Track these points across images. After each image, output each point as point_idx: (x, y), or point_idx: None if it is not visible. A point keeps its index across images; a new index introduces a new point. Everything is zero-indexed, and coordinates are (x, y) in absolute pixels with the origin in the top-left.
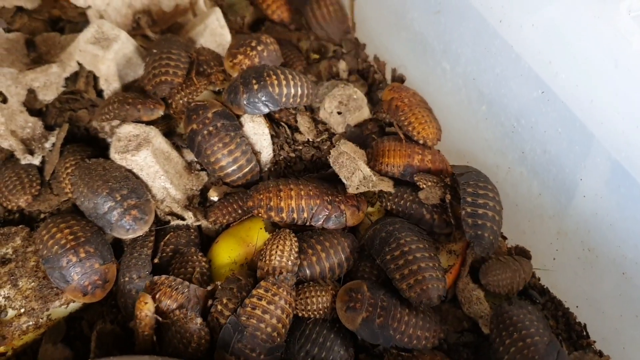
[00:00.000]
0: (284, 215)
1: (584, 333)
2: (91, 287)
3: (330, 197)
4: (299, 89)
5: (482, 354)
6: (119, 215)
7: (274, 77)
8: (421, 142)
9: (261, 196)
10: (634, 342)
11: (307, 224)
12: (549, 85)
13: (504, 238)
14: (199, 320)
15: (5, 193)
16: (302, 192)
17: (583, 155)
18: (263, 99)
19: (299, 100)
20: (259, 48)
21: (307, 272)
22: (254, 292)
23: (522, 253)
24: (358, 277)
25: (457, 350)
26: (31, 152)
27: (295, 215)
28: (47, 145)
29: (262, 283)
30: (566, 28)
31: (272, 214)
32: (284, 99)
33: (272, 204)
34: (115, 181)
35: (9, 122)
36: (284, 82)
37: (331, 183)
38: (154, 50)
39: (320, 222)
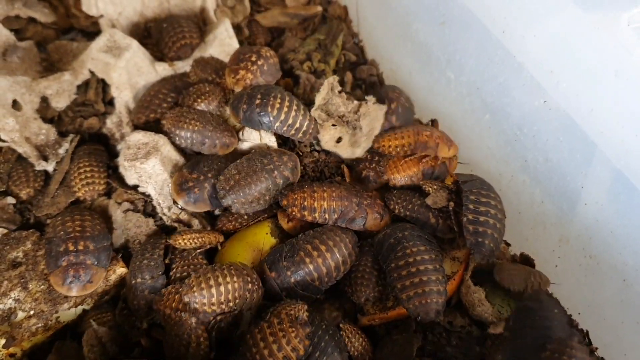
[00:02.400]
0: (316, 215)
1: (586, 339)
2: (73, 280)
3: (358, 199)
4: (298, 123)
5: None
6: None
7: (279, 100)
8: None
9: (296, 196)
10: (635, 348)
11: (335, 223)
12: (551, 95)
13: (507, 245)
14: (193, 320)
15: (8, 183)
16: (334, 194)
17: (584, 163)
18: (260, 115)
19: (293, 132)
20: (260, 62)
21: (315, 274)
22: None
23: (526, 260)
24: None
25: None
26: (45, 159)
27: (327, 216)
28: (61, 151)
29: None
30: (567, 39)
31: (306, 213)
32: (278, 124)
33: (306, 203)
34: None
35: (24, 129)
36: (285, 109)
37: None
38: (164, 25)
39: (344, 223)
